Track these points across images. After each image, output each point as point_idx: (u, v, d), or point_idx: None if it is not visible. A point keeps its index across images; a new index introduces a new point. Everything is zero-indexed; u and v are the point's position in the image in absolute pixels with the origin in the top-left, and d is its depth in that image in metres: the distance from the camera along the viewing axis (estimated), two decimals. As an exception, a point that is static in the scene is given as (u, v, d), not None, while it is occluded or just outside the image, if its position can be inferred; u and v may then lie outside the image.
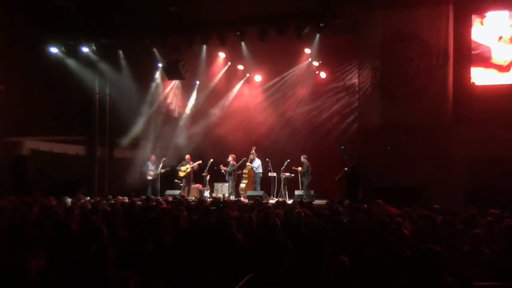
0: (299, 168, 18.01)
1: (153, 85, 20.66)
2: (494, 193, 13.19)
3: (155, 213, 9.69)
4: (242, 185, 18.81)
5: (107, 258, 6.44)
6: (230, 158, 18.74)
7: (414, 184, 14.89)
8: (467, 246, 7.00)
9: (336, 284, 5.76)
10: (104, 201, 12.92)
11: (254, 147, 18.78)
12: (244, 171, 18.85)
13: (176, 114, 21.37)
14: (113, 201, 12.91)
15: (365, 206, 10.86)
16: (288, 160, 18.13)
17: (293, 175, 18.31)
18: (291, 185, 18.44)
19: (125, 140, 20.05)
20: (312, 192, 17.57)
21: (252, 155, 18.70)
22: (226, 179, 18.92)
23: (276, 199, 16.56)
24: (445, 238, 7.58)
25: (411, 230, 8.48)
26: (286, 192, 18.28)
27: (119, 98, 19.81)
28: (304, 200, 14.77)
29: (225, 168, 18.78)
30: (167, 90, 21.13)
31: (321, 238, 7.45)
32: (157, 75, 20.38)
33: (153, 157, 19.04)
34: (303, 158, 17.99)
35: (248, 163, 18.77)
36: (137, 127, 20.13)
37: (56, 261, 6.28)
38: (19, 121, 18.15)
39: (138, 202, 12.24)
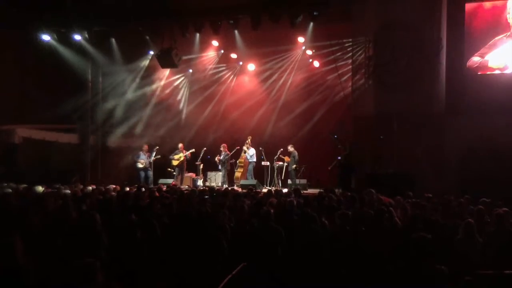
0: (286, 157, 18.15)
1: (146, 73, 20.56)
2: (486, 182, 13.25)
3: (148, 201, 9.68)
4: (238, 174, 18.79)
5: (100, 246, 6.46)
6: (221, 148, 18.75)
7: (407, 173, 14.94)
8: (460, 235, 7.04)
9: (328, 270, 5.79)
10: (97, 190, 12.90)
11: (250, 137, 18.77)
12: (239, 160, 18.82)
13: (169, 103, 21.29)
14: (105, 190, 12.88)
15: (358, 195, 10.89)
16: (282, 149, 18.17)
17: (286, 164, 18.36)
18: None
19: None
20: (305, 181, 17.62)
21: (247, 144, 18.69)
22: (219, 168, 18.92)
23: (269, 188, 16.60)
24: (437, 227, 7.62)
25: (403, 218, 8.53)
26: (280, 181, 18.31)
27: (112, 86, 19.73)
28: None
29: (219, 157, 18.76)
30: (160, 78, 21.07)
31: (314, 227, 7.47)
32: (150, 63, 20.26)
33: (145, 147, 18.96)
34: (290, 148, 18.11)
35: (243, 153, 18.76)
36: (130, 116, 20.06)
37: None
38: (11, 109, 18.05)
39: (130, 190, 12.23)
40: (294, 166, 17.91)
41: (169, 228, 7.71)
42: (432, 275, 5.26)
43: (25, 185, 12.33)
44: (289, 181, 17.91)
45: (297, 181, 17.54)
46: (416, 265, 5.38)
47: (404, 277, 5.45)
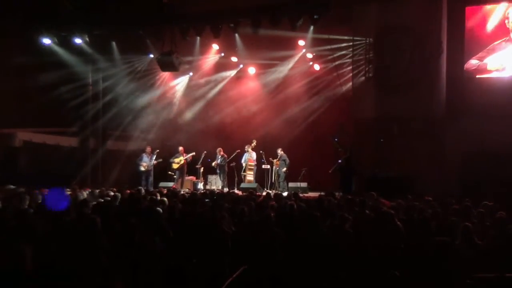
0: (276, 160, 18.19)
1: (147, 76, 20.57)
2: (487, 186, 13.24)
3: (149, 205, 9.67)
4: (250, 178, 18.64)
5: (101, 249, 6.45)
6: (217, 151, 18.76)
7: (407, 175, 14.94)
8: (458, 238, 7.02)
9: (328, 275, 5.78)
10: (97, 193, 12.88)
11: (255, 140, 18.72)
12: (249, 163, 18.64)
13: (169, 106, 21.29)
14: (106, 193, 12.86)
15: (359, 198, 10.88)
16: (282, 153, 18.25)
17: (276, 168, 18.39)
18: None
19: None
20: (305, 184, 17.61)
21: (250, 147, 18.62)
22: (217, 172, 18.91)
23: (270, 191, 16.60)
24: (437, 230, 7.61)
25: (404, 221, 8.52)
26: (280, 184, 18.31)
27: (113, 90, 19.76)
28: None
29: (216, 162, 18.75)
30: (161, 81, 21.09)
31: (313, 229, 7.46)
32: (151, 66, 20.25)
33: (148, 149, 18.96)
34: (280, 151, 18.15)
35: (249, 156, 18.69)
36: (130, 119, 20.06)
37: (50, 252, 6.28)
38: (12, 113, 18.03)
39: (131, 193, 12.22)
40: (285, 169, 18.00)
41: (169, 231, 7.71)
42: (449, 277, 5.28)
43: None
44: (290, 184, 17.89)
45: (298, 184, 17.52)
46: (437, 268, 5.40)
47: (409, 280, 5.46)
